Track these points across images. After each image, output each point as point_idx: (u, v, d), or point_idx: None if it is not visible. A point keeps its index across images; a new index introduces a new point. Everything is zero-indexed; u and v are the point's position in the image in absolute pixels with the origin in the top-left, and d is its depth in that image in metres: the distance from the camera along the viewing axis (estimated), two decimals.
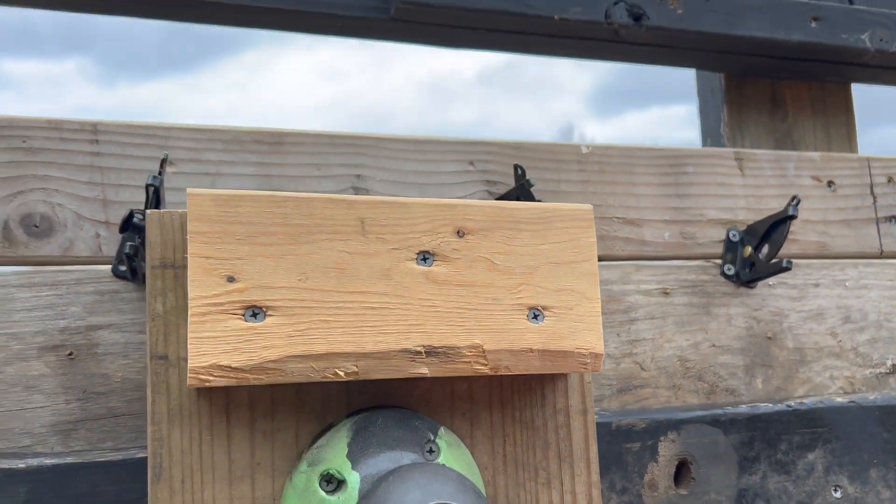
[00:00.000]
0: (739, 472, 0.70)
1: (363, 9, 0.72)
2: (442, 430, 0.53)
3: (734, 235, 0.81)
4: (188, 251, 0.47)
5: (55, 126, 0.62)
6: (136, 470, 0.55)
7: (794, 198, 0.76)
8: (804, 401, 0.74)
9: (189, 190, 0.47)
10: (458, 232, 0.52)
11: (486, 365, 0.51)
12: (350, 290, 0.49)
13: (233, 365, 0.46)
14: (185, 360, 0.51)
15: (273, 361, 0.47)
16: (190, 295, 0.46)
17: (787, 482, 0.72)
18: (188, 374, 0.46)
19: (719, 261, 0.81)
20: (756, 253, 0.79)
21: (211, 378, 0.46)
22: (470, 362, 0.51)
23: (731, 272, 0.80)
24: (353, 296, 0.49)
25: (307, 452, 0.51)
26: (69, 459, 0.54)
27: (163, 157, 0.58)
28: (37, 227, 0.61)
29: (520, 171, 0.67)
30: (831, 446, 0.74)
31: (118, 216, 0.63)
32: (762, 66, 0.90)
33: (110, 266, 0.62)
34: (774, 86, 0.94)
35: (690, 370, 0.77)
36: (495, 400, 0.57)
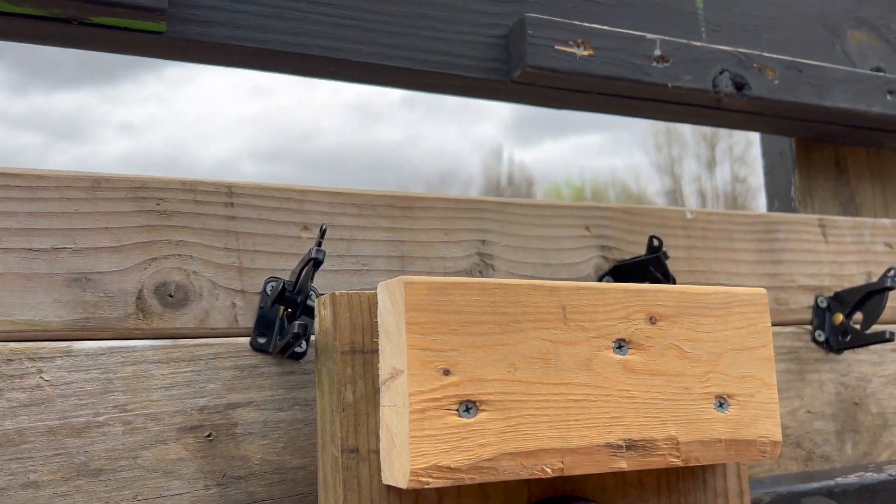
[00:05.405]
0: None
1: (483, 70, 0.71)
2: None
3: (822, 302, 0.83)
4: (406, 343, 0.44)
5: (189, 188, 0.58)
6: None
7: (890, 269, 0.78)
8: None
9: (405, 278, 0.45)
10: (650, 318, 0.51)
11: (678, 457, 0.50)
12: (554, 381, 0.48)
13: (451, 465, 0.44)
14: (376, 452, 0.48)
15: (488, 460, 0.45)
16: (408, 390, 0.44)
17: None
18: (408, 476, 0.43)
19: (809, 327, 0.82)
20: (847, 320, 0.81)
21: (430, 480, 0.43)
22: (665, 455, 0.50)
23: (822, 338, 0.81)
24: (557, 387, 0.47)
25: None
26: None
27: (322, 227, 0.55)
28: (171, 296, 0.57)
29: (655, 243, 0.67)
30: None
31: (253, 285, 0.59)
32: (833, 133, 0.92)
33: (248, 339, 0.58)
34: (838, 151, 0.96)
35: (789, 437, 0.77)
36: (663, 486, 0.56)
